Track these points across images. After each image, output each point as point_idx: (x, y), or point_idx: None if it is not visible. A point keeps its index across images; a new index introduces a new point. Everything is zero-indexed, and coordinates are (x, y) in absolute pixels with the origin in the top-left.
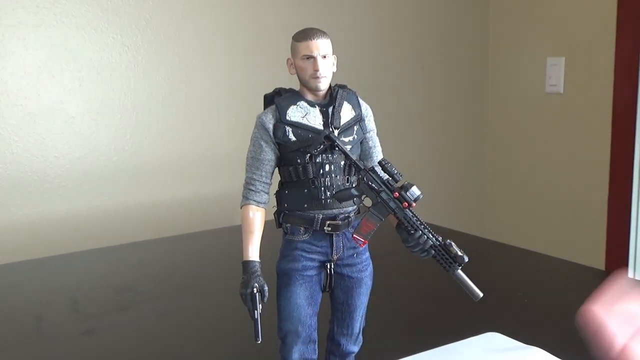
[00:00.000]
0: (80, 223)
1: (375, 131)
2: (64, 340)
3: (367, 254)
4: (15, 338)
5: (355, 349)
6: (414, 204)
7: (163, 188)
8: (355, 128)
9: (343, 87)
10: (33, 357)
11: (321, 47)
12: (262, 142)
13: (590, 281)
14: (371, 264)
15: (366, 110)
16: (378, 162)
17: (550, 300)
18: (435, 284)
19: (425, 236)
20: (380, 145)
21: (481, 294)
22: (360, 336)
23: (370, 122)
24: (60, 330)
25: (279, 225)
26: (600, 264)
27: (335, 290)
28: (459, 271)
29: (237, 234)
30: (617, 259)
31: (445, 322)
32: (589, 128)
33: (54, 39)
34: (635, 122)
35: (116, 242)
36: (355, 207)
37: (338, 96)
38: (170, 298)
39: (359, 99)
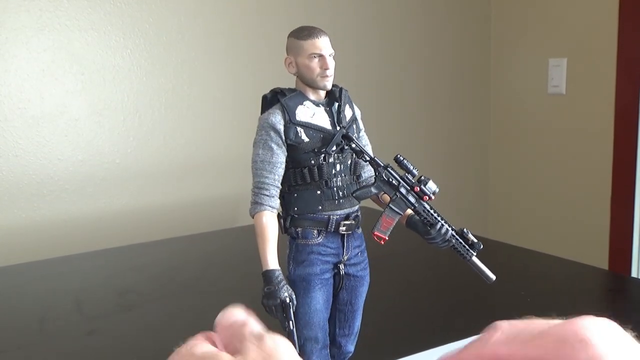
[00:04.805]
0: (83, 225)
1: (364, 130)
2: (68, 341)
3: (366, 251)
4: (18, 339)
5: (352, 348)
6: (432, 197)
7: (166, 190)
8: (354, 127)
9: (337, 87)
10: (37, 358)
11: (328, 45)
12: (273, 144)
13: (594, 281)
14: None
15: (357, 110)
16: (394, 158)
17: (552, 299)
18: (435, 283)
19: (445, 227)
20: (383, 146)
21: (494, 277)
22: (357, 335)
23: (360, 122)
24: (63, 332)
25: (285, 230)
26: (603, 263)
27: (340, 291)
28: (474, 257)
29: (240, 236)
30: (621, 259)
31: (445, 321)
32: (591, 128)
33: (57, 42)
34: (638, 122)
35: (119, 244)
36: (359, 205)
37: (343, 96)
38: (174, 299)
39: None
